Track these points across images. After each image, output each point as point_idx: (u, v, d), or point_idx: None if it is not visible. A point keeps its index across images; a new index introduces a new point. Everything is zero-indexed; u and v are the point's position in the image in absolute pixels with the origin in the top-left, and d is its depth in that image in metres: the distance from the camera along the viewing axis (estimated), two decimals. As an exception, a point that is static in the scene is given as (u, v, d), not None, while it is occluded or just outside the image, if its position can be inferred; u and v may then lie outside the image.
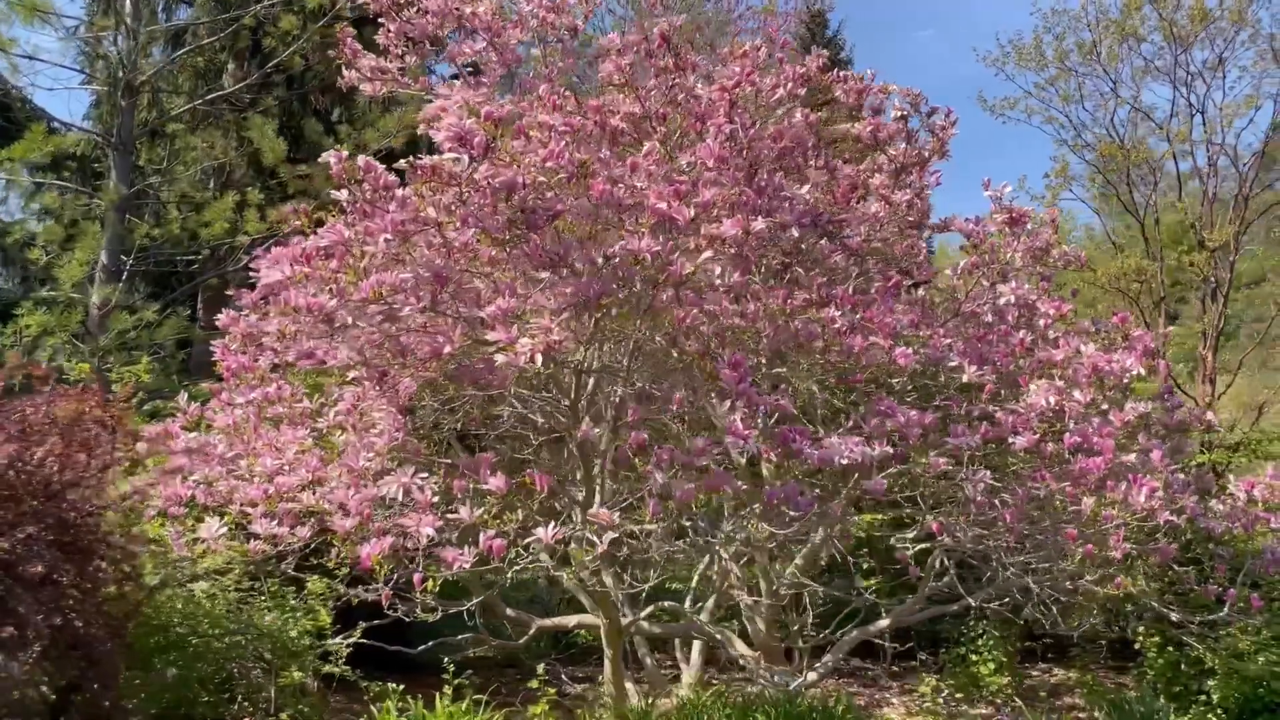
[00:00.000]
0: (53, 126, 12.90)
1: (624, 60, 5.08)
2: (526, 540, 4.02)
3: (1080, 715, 7.68)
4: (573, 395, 4.78)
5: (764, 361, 5.21)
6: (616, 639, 5.97)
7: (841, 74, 5.72)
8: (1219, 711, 6.86)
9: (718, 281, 4.44)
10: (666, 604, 6.79)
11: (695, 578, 7.21)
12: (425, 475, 4.20)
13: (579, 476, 5.15)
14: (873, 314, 4.70)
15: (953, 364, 4.94)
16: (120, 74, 12.21)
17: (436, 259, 4.10)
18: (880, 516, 7.18)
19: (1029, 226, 5.67)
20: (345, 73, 5.64)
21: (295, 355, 4.50)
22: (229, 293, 5.46)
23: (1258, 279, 20.17)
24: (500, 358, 3.78)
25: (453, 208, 4.11)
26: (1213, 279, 13.55)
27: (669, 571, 6.22)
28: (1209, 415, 5.87)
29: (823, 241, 5.06)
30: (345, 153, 4.16)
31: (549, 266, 4.11)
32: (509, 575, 4.03)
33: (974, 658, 8.13)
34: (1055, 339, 5.49)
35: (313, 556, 5.03)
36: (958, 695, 8.10)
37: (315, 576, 6.09)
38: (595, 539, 3.92)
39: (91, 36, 13.41)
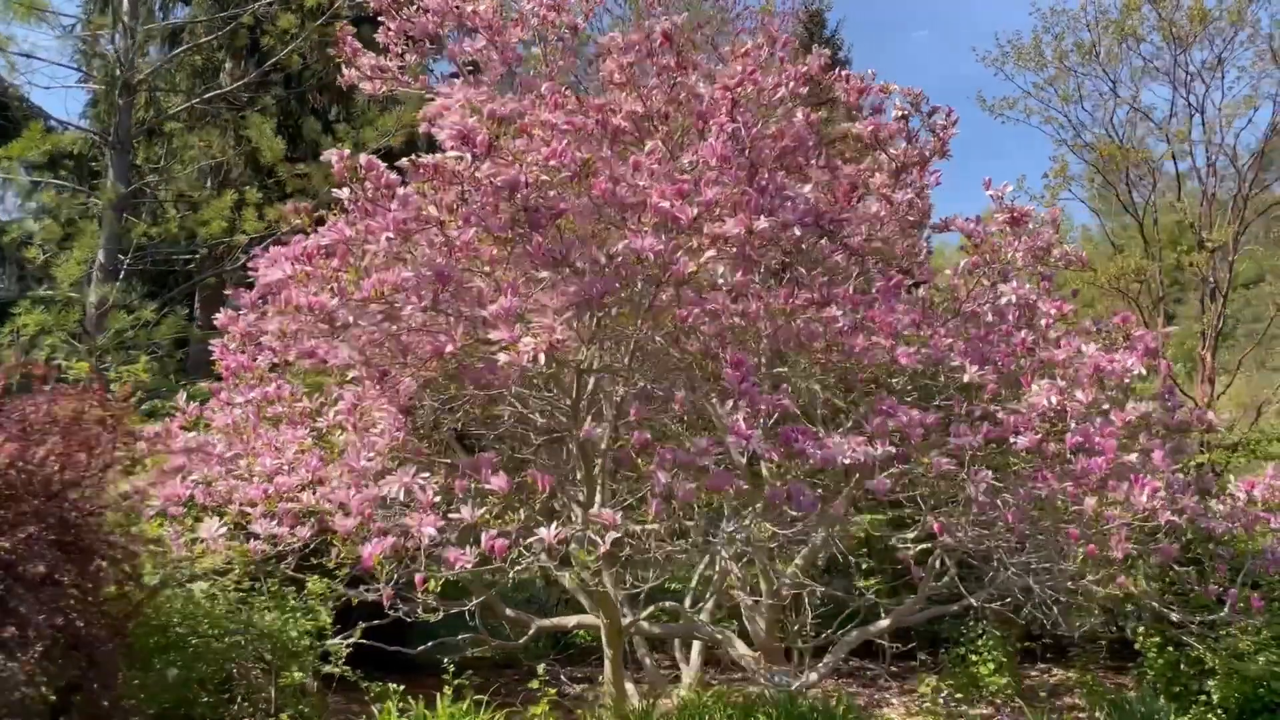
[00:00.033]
0: (50, 125, 12.87)
1: (626, 59, 5.06)
2: (528, 540, 4.01)
3: (1080, 715, 7.68)
4: (574, 395, 4.77)
5: (763, 361, 5.21)
6: (617, 639, 5.96)
7: (844, 73, 5.70)
8: (1219, 711, 6.86)
9: (720, 281, 4.43)
10: (667, 604, 6.78)
11: (695, 578, 7.20)
12: (426, 475, 4.19)
13: (579, 477, 5.14)
14: (875, 313, 4.70)
15: (954, 364, 4.94)
16: (117, 72, 12.18)
17: (438, 258, 4.09)
18: (880, 516, 7.18)
19: (1030, 226, 5.66)
20: (345, 71, 5.63)
21: (296, 354, 4.49)
22: (227, 292, 5.45)
23: (1255, 279, 20.20)
24: (503, 357, 3.77)
25: (455, 206, 4.10)
26: (1212, 279, 13.55)
27: (669, 572, 6.21)
28: (1210, 415, 5.86)
29: (823, 241, 5.06)
30: (347, 151, 4.15)
31: (551, 266, 4.10)
32: (511, 576, 4.01)
33: (974, 658, 8.13)
34: (1056, 339, 5.49)
35: (313, 556, 5.02)
36: (957, 695, 8.10)
37: (315, 577, 6.07)
38: (598, 539, 3.91)
39: (88, 35, 13.37)
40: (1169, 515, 4.70)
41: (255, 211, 12.67)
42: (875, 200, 5.59)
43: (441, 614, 4.50)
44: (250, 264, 4.42)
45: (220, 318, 5.36)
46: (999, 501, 4.93)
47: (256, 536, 4.67)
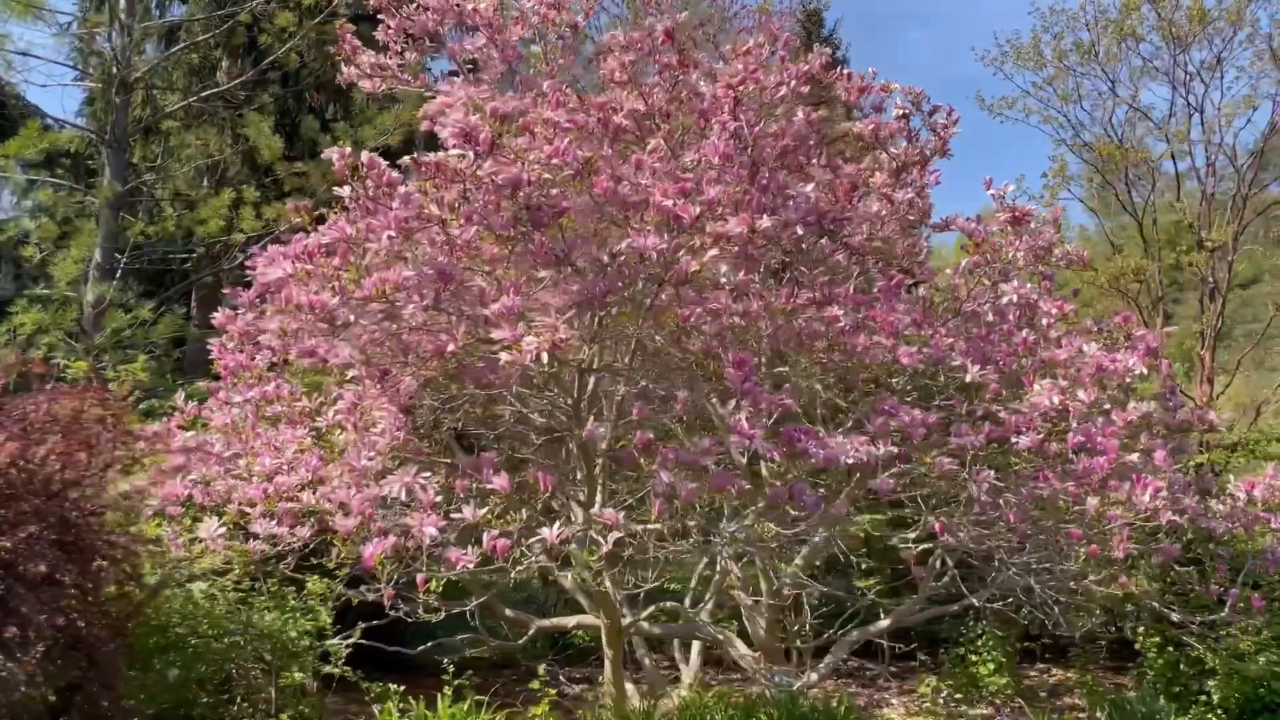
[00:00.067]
0: (46, 123, 12.86)
1: (628, 57, 5.05)
2: (530, 540, 4.00)
3: (1080, 715, 7.68)
4: (575, 394, 4.75)
5: (764, 361, 5.19)
6: (617, 639, 5.95)
7: (845, 72, 5.69)
8: (1219, 712, 6.86)
9: (723, 280, 4.41)
10: (667, 604, 6.77)
11: (695, 578, 7.19)
12: (427, 475, 4.18)
13: (579, 476, 5.12)
14: (876, 313, 4.69)
15: (955, 363, 4.93)
16: (114, 70, 12.14)
17: (440, 256, 4.07)
18: (880, 516, 7.17)
19: (1031, 225, 5.66)
20: (344, 69, 5.61)
21: (296, 353, 4.47)
22: (224, 291, 5.43)
23: (1253, 279, 20.21)
24: (505, 356, 3.75)
25: (456, 205, 4.08)
26: (1211, 279, 13.56)
27: (669, 572, 6.20)
28: (1211, 415, 5.87)
29: (824, 240, 5.04)
30: (348, 149, 4.13)
31: (553, 264, 4.08)
32: (512, 576, 4.00)
33: (973, 658, 8.13)
34: (1057, 338, 5.48)
35: (312, 556, 5.00)
36: (957, 695, 8.10)
37: (315, 577, 6.05)
38: (600, 539, 3.90)
39: (85, 32, 13.34)
40: (1171, 515, 4.70)
41: (253, 210, 12.64)
42: (876, 199, 5.58)
43: (442, 614, 4.48)
44: (248, 263, 4.40)
45: (218, 317, 5.34)
46: (1000, 501, 4.92)
47: (256, 536, 4.65)
